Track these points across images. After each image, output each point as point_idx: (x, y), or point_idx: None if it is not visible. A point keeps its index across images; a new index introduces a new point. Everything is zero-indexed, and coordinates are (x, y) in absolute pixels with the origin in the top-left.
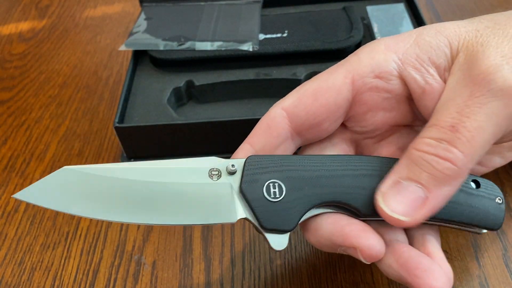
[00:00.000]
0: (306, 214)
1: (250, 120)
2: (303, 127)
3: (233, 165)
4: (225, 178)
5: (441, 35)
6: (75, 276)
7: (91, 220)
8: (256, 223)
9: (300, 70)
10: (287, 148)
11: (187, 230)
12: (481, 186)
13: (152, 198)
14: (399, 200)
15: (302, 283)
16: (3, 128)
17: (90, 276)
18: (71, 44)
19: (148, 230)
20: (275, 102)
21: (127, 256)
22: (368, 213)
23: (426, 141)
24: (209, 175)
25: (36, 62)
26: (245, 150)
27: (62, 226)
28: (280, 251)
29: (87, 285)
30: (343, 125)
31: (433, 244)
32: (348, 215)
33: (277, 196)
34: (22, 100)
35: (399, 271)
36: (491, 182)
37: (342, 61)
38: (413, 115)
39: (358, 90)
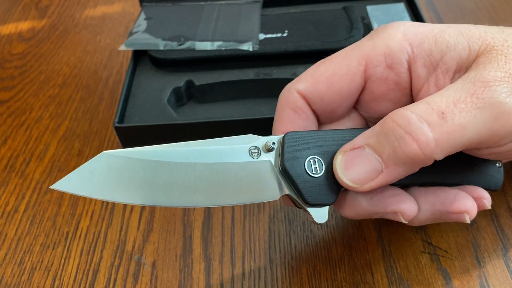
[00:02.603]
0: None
1: (250, 120)
2: (318, 111)
3: (273, 143)
4: (264, 155)
5: (463, 37)
6: (75, 276)
7: (91, 220)
8: (299, 199)
9: (300, 70)
10: (314, 128)
11: (187, 230)
12: None
13: (197, 180)
14: (355, 165)
15: (302, 283)
16: (3, 128)
17: (90, 276)
18: (71, 44)
19: (148, 230)
20: (275, 102)
21: (127, 256)
22: (400, 182)
23: (407, 114)
24: (249, 154)
25: (36, 62)
26: None
27: (62, 226)
28: (321, 225)
29: (87, 285)
30: (355, 108)
31: None
32: None
33: (318, 171)
34: (22, 100)
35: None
36: None
37: (357, 43)
38: None
39: (369, 78)
